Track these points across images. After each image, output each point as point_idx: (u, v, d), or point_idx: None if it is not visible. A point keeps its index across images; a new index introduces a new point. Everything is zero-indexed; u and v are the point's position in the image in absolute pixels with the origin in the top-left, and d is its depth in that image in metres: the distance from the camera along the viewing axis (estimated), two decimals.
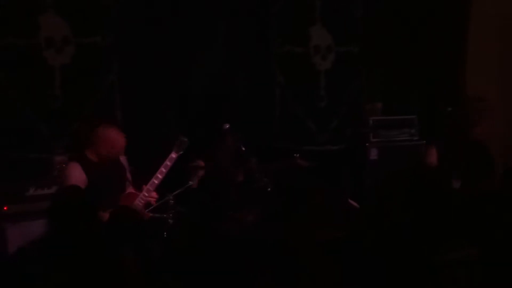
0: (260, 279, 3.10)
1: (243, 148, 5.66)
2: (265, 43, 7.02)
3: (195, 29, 6.52)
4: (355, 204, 5.35)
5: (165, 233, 5.10)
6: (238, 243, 4.60)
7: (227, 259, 3.51)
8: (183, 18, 6.47)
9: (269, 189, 5.51)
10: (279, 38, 7.05)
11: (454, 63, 7.87)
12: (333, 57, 7.29)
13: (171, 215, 5.18)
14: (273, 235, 3.39)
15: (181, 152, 5.30)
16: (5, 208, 5.10)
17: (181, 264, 4.68)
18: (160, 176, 5.18)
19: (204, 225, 5.21)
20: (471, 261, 2.93)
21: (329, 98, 7.27)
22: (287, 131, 7.07)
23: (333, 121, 7.31)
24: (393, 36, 7.59)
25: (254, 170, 5.67)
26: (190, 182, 5.45)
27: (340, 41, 7.32)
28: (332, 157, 7.17)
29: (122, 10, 6.18)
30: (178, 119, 6.49)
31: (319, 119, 7.23)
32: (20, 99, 5.73)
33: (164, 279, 4.13)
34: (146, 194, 5.16)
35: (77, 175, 4.98)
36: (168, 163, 5.22)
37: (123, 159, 5.50)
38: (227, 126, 5.68)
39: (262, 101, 7.01)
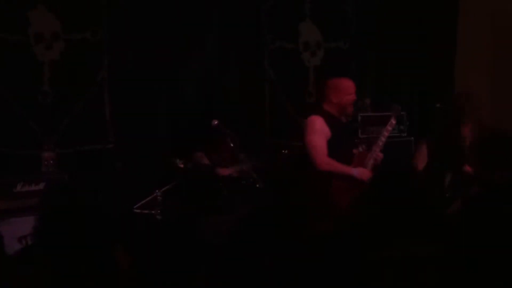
0: (254, 273, 3.10)
1: (232, 145, 5.68)
2: (256, 39, 7.03)
3: (186, 25, 6.52)
4: None
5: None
6: (227, 239, 4.59)
7: (215, 255, 3.51)
8: (174, 14, 6.46)
9: (258, 185, 5.53)
10: (270, 34, 7.06)
11: (444, 59, 7.89)
12: (322, 53, 7.30)
13: (159, 211, 5.20)
14: (264, 230, 3.39)
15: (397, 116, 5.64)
16: None
17: (169, 260, 4.68)
18: (383, 139, 5.35)
19: (191, 221, 5.22)
20: (434, 257, 2.94)
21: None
22: (277, 127, 7.08)
23: None
24: (383, 33, 7.61)
25: (243, 165, 5.69)
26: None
27: (330, 37, 7.34)
28: None
29: (112, 6, 6.17)
30: (168, 115, 6.49)
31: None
32: (9, 95, 5.72)
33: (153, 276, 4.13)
34: (377, 154, 5.30)
35: (322, 127, 5.17)
36: (389, 127, 5.42)
37: None
38: (216, 122, 5.70)
39: (253, 97, 7.02)
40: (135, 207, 5.25)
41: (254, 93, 7.02)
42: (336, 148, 5.14)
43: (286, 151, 5.78)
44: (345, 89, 5.35)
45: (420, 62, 7.80)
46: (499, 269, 2.97)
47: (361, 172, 5.06)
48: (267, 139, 6.96)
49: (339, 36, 7.41)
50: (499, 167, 3.46)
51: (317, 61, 7.27)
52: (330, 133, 5.18)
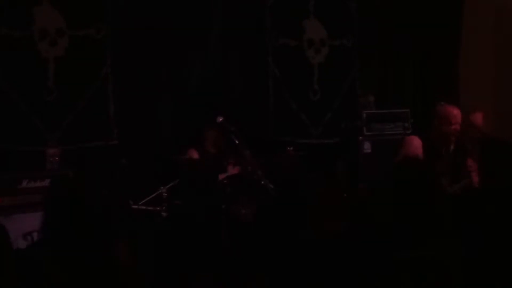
0: (258, 274, 3.10)
1: (237, 141, 5.67)
2: (260, 36, 7.02)
3: (190, 22, 6.52)
4: None
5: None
6: (234, 234, 4.59)
7: (223, 251, 3.51)
8: (178, 10, 6.46)
9: (263, 182, 5.52)
10: (274, 31, 7.05)
11: (448, 57, 7.89)
12: (326, 50, 7.30)
13: (164, 208, 5.20)
14: (269, 227, 3.39)
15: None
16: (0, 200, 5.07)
17: (174, 256, 4.68)
18: None
19: (199, 217, 5.22)
20: (451, 258, 2.94)
21: (322, 92, 7.28)
22: (281, 124, 7.08)
23: (327, 114, 7.31)
24: (387, 30, 7.61)
25: (248, 163, 5.68)
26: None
27: (334, 34, 7.33)
28: (326, 151, 7.17)
29: (116, 3, 6.17)
30: (172, 112, 6.49)
31: (312, 113, 7.24)
32: (14, 91, 5.71)
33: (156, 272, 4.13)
34: None
35: (415, 152, 5.15)
36: None
37: None
38: (221, 119, 5.69)
39: (257, 94, 7.02)
40: (139, 203, 5.24)
41: (258, 90, 7.01)
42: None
43: (290, 148, 5.77)
44: (450, 118, 5.30)
45: (423, 60, 7.80)
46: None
47: None
48: (271, 136, 6.95)
49: (343, 33, 7.41)
50: (500, 174, 3.48)
51: (322, 58, 7.27)
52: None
